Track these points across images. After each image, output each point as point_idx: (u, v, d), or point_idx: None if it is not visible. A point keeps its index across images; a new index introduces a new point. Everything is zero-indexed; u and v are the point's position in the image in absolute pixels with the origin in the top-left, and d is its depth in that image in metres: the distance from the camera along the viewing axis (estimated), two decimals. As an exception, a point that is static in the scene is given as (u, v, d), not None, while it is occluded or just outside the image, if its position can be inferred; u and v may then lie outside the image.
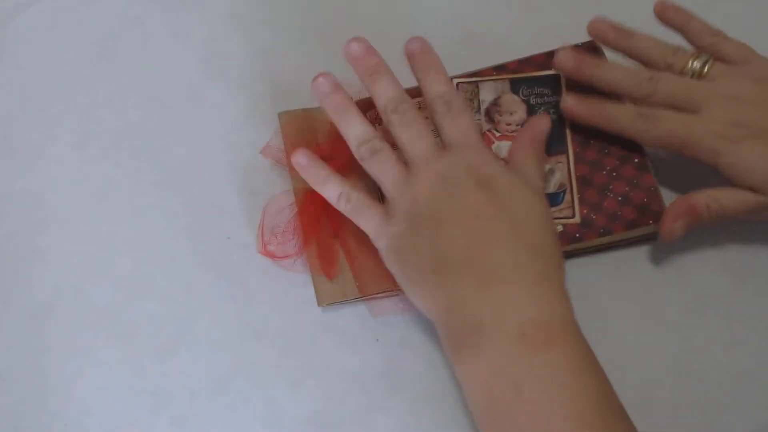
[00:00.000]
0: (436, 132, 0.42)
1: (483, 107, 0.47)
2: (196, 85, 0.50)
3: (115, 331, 0.47)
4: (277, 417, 0.45)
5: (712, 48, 0.43)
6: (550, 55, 0.46)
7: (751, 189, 0.41)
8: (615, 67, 0.44)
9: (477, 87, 0.47)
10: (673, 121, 0.42)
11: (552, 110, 0.46)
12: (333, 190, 0.42)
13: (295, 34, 0.51)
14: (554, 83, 0.47)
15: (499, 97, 0.47)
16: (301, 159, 0.43)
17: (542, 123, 0.43)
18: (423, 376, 0.45)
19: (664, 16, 0.46)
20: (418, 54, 0.42)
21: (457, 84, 0.47)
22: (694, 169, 0.44)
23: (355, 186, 0.42)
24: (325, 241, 0.45)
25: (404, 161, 0.41)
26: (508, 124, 0.46)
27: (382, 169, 0.41)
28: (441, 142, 0.41)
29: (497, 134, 0.46)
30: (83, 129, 0.50)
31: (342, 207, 0.42)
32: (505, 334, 0.36)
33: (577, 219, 0.44)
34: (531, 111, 0.46)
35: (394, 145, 0.42)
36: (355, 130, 0.41)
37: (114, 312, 0.47)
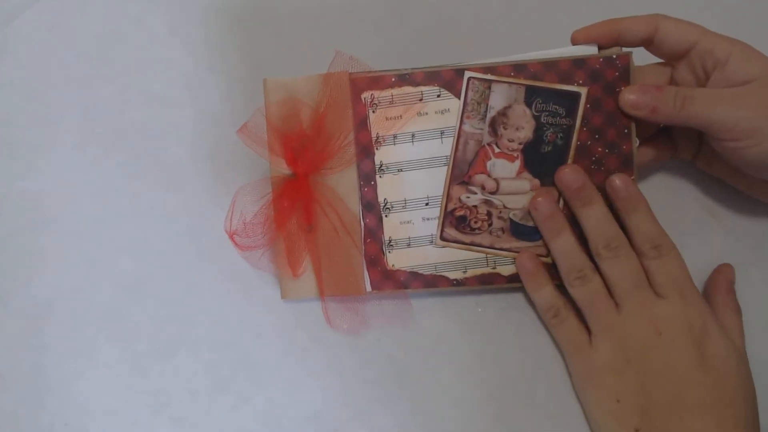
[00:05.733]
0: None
1: (489, 115, 0.44)
2: (196, 85, 0.50)
3: (115, 331, 0.47)
4: (277, 417, 0.45)
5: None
6: (578, 63, 0.43)
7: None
8: None
9: (489, 88, 0.43)
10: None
11: (560, 134, 0.43)
12: (545, 299, 0.44)
13: (295, 33, 0.51)
14: (571, 103, 0.43)
15: (509, 107, 0.43)
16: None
17: (731, 271, 0.44)
18: (423, 376, 0.45)
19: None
20: (622, 192, 0.42)
21: (469, 78, 0.44)
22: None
23: (568, 305, 0.43)
24: (293, 237, 0.45)
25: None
26: (511, 141, 0.43)
27: (591, 299, 0.42)
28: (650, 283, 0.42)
29: (496, 150, 0.44)
30: (83, 129, 0.50)
31: (548, 319, 0.44)
32: None
33: (548, 259, 0.44)
34: (538, 130, 0.43)
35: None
36: (566, 257, 0.42)
37: (114, 312, 0.47)
